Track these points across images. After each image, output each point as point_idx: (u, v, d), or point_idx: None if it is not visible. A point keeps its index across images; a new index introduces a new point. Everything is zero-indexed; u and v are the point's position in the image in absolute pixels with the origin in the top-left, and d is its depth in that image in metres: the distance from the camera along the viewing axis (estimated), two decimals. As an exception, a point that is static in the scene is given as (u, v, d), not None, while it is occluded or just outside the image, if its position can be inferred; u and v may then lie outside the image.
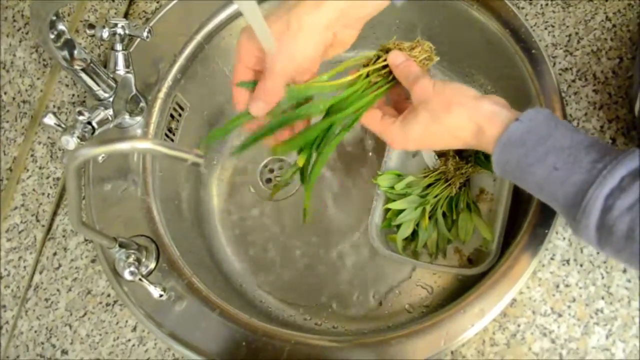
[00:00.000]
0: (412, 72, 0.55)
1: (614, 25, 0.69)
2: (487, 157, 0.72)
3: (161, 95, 0.75)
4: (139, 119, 0.73)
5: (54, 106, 0.76)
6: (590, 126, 0.65)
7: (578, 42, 0.69)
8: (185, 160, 0.45)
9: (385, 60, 0.57)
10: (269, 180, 0.83)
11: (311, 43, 0.51)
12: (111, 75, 0.68)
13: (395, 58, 0.56)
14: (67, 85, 0.77)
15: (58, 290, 0.67)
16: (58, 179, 0.72)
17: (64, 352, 0.64)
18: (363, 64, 0.58)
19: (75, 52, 0.63)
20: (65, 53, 0.62)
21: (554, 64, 0.68)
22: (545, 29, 0.70)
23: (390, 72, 0.57)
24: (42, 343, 0.65)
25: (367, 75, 0.57)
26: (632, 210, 0.42)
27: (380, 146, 0.78)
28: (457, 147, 0.53)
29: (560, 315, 0.58)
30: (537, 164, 0.47)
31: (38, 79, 0.74)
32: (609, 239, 0.45)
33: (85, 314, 0.66)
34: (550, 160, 0.47)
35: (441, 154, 0.74)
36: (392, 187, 0.73)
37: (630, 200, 0.43)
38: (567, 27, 0.70)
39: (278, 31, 0.50)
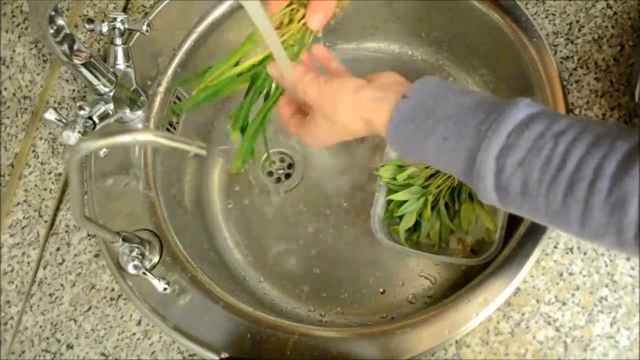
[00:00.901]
0: (294, 83, 0.52)
1: (614, 13, 0.68)
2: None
3: (161, 89, 0.74)
4: (139, 113, 0.73)
5: (54, 101, 0.76)
6: (592, 114, 0.65)
7: (579, 30, 0.69)
8: (187, 151, 0.45)
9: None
10: (270, 173, 0.83)
11: None
12: (111, 70, 0.68)
13: (272, 74, 0.54)
14: (67, 81, 0.77)
15: (62, 285, 0.67)
16: (60, 174, 0.72)
17: (69, 346, 0.65)
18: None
19: (75, 46, 0.63)
20: (65, 48, 0.62)
21: (555, 52, 0.68)
22: (546, 17, 0.70)
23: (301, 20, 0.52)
24: (47, 338, 0.65)
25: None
26: (522, 165, 0.41)
27: (381, 138, 0.78)
28: (363, 135, 0.52)
29: (564, 304, 0.58)
30: (429, 138, 0.45)
31: (38, 74, 0.74)
32: (508, 199, 0.43)
33: (89, 308, 0.66)
34: (439, 131, 0.45)
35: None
36: (394, 179, 0.73)
37: (519, 156, 0.41)
38: (568, 15, 0.70)
39: None
